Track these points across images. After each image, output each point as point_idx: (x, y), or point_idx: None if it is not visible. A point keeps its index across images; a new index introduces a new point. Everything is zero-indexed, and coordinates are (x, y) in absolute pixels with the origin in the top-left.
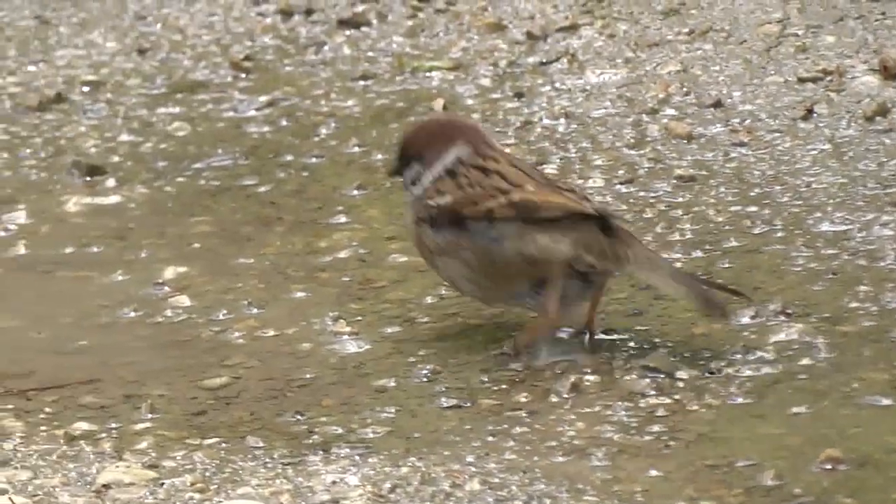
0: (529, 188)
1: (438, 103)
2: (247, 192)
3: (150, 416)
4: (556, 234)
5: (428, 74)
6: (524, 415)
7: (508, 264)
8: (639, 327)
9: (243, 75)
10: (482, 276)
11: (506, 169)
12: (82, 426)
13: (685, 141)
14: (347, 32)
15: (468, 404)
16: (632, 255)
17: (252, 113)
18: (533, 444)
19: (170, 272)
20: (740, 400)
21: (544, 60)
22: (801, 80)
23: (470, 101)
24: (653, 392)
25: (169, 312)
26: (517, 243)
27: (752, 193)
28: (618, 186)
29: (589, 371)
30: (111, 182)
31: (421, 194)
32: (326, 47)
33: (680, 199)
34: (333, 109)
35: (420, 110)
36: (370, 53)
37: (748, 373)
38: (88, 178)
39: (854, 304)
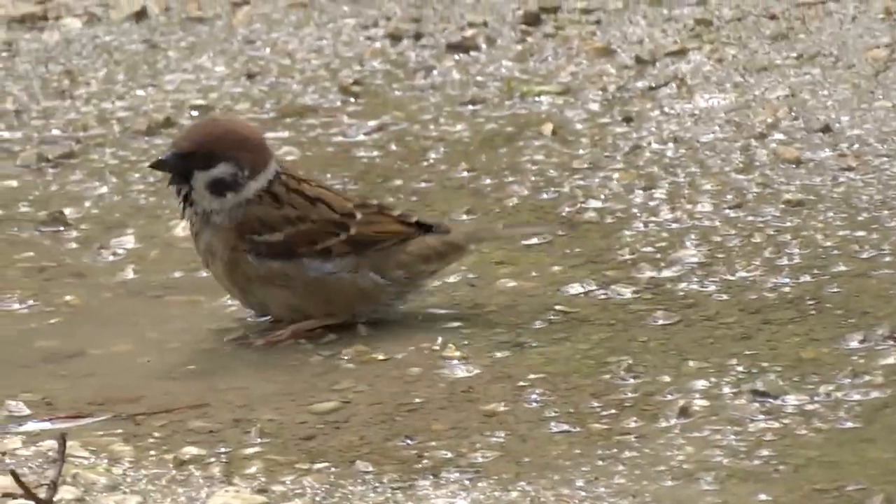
0: (358, 216)
1: (547, 128)
2: None
3: (259, 440)
4: (389, 263)
5: (537, 99)
6: (633, 439)
7: (341, 295)
8: (747, 352)
9: (352, 100)
10: (308, 304)
11: (323, 192)
12: (191, 451)
13: (793, 165)
14: (456, 57)
15: (578, 429)
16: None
17: (361, 137)
18: (642, 468)
19: None
20: (849, 424)
21: (653, 85)
22: None
23: (579, 126)
24: (761, 416)
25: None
26: (353, 276)
27: (860, 218)
28: (726, 211)
29: (698, 396)
30: None
31: (238, 210)
32: (436, 72)
33: (788, 224)
34: (442, 134)
35: (529, 135)
36: (479, 78)
37: (857, 397)
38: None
39: None
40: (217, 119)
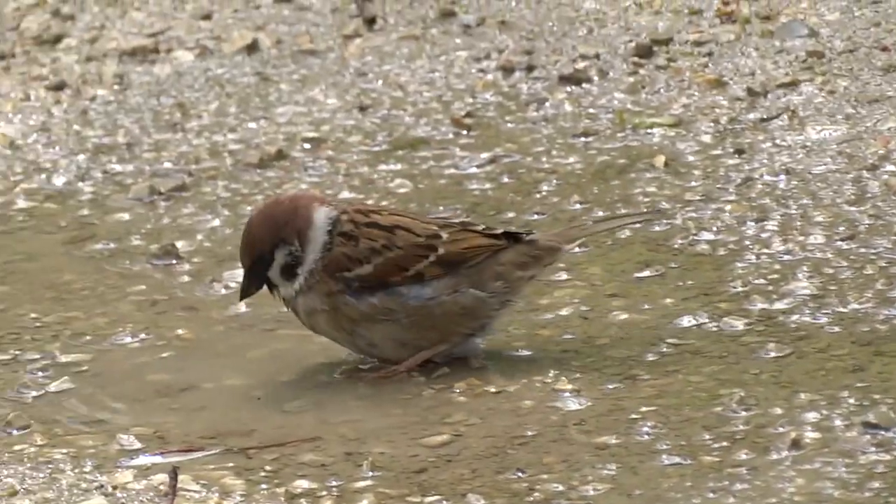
0: (444, 236)
1: (659, 160)
2: None
3: (371, 473)
4: (486, 277)
5: (649, 131)
6: (745, 471)
7: (446, 318)
8: (859, 384)
9: (464, 132)
10: (415, 334)
11: (399, 220)
12: (303, 484)
13: None
14: (569, 89)
15: (689, 461)
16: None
17: (473, 170)
18: (753, 500)
19: None
20: None
21: (765, 117)
22: None
23: (691, 158)
24: (873, 448)
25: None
26: (454, 296)
27: None
28: (838, 243)
29: (809, 428)
30: None
31: (310, 275)
32: (548, 104)
33: None
34: (555, 166)
35: (641, 166)
36: (591, 110)
37: None
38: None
39: None
40: (249, 219)
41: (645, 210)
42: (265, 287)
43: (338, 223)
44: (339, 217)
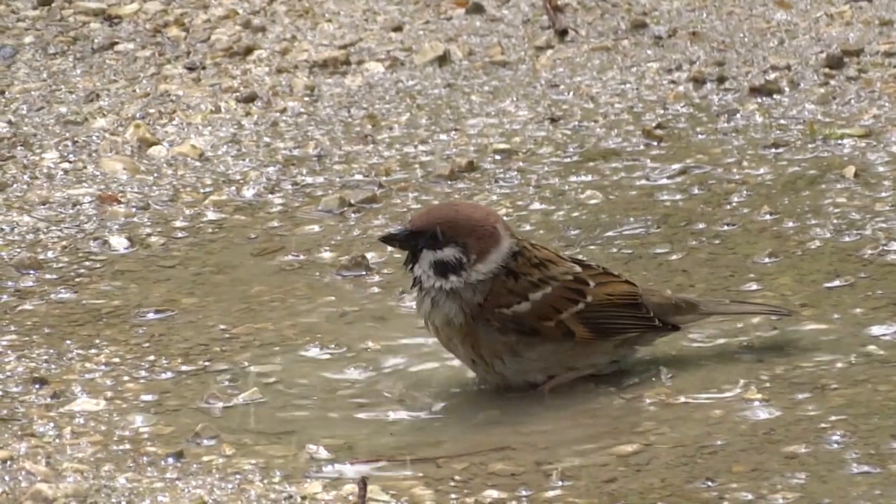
0: (592, 284)
1: (850, 170)
2: (658, 261)
3: (560, 483)
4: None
5: (839, 142)
6: None
7: (584, 357)
8: None
9: (655, 143)
10: (551, 368)
11: (548, 254)
12: (492, 494)
13: None
14: (759, 100)
15: (878, 470)
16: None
17: (664, 181)
18: None
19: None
20: None
21: None
22: None
23: (881, 169)
24: None
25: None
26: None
27: None
28: None
29: None
30: None
31: (468, 288)
32: (738, 115)
33: None
34: (745, 177)
35: (831, 177)
36: (782, 121)
37: None
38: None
39: None
40: (456, 204)
41: (775, 306)
42: (405, 267)
43: (514, 257)
44: (516, 253)
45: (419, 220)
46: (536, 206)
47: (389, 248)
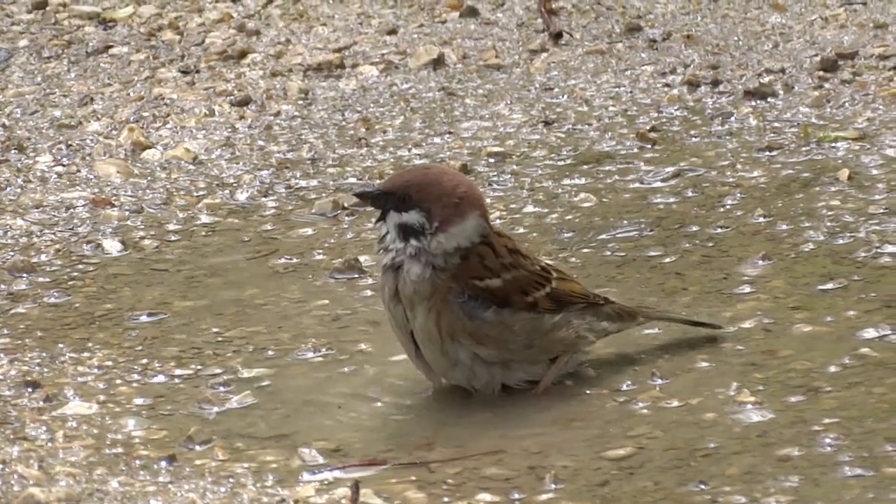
0: (554, 274)
1: (843, 173)
2: (652, 263)
3: (554, 486)
4: (588, 317)
5: (833, 145)
6: None
7: (557, 344)
8: None
9: (649, 146)
10: (514, 354)
11: (524, 253)
12: (485, 497)
13: None
14: (753, 103)
15: (872, 473)
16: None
17: (658, 184)
18: None
19: None
20: None
21: None
22: None
23: (875, 172)
24: None
25: (569, 382)
26: (559, 332)
27: None
28: None
29: None
30: None
31: (439, 256)
32: (733, 118)
33: None
34: (739, 180)
35: (825, 180)
36: (776, 124)
37: None
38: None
39: None
40: (430, 168)
41: (710, 323)
42: (376, 217)
43: (487, 236)
44: (489, 232)
45: (391, 181)
46: (530, 208)
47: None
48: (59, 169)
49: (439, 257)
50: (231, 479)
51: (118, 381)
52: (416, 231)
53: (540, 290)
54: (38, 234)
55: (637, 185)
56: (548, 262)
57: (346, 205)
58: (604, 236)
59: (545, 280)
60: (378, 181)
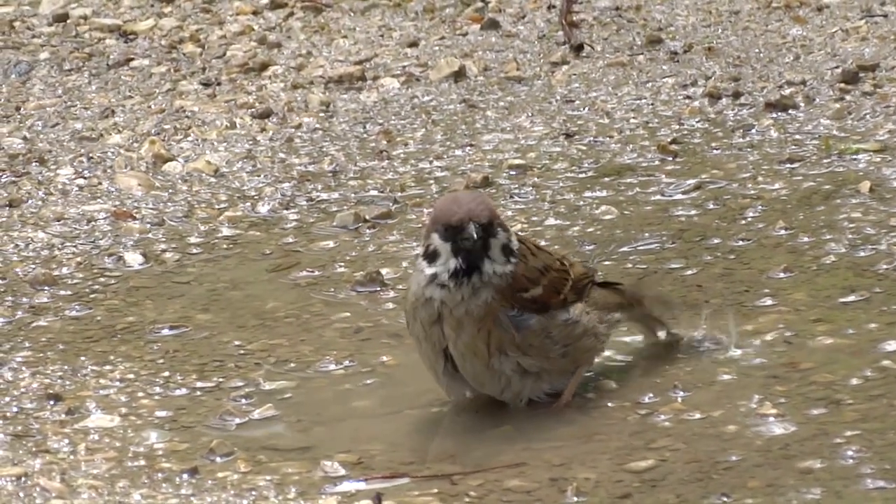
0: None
1: (865, 185)
2: (673, 276)
3: (575, 498)
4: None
5: (854, 157)
6: None
7: (575, 358)
8: None
9: (670, 158)
10: (552, 363)
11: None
12: None
13: None
14: (774, 115)
15: (894, 485)
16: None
17: (679, 196)
18: None
19: None
20: None
21: None
22: None
23: None
24: None
25: (591, 395)
26: (585, 323)
27: None
28: None
29: None
30: None
31: (509, 272)
32: (754, 130)
33: None
34: (760, 192)
35: (847, 192)
36: (797, 136)
37: None
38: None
39: None
40: (458, 192)
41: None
42: (467, 264)
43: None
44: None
45: (477, 212)
46: (551, 221)
47: (405, 264)
48: (81, 182)
49: (507, 276)
50: (253, 492)
51: (140, 394)
52: (511, 249)
53: (566, 285)
54: (60, 246)
55: (658, 197)
56: (542, 243)
57: (367, 217)
58: (625, 249)
59: (567, 273)
60: (454, 219)
